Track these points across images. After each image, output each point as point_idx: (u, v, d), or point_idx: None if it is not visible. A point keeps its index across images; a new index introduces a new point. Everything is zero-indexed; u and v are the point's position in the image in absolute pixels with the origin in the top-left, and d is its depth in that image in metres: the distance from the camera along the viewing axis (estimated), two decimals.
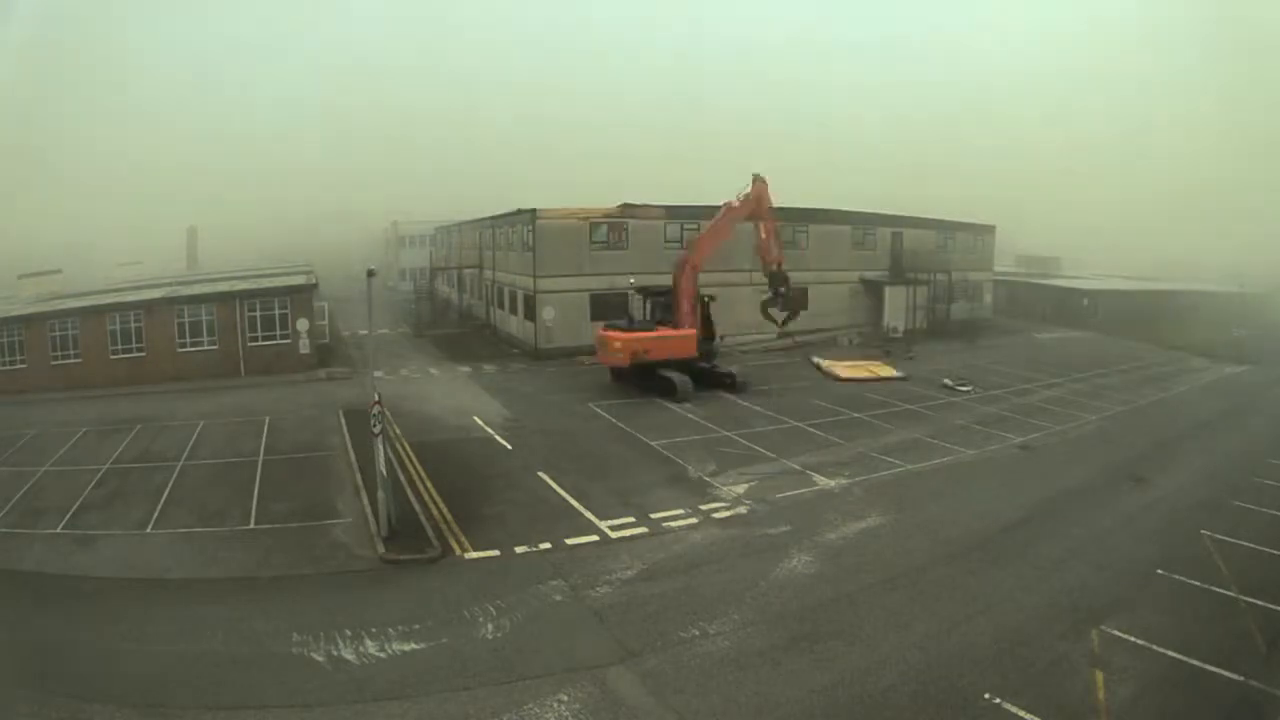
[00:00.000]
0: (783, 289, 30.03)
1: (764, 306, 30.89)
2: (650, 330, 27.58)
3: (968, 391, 28.33)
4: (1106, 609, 12.03)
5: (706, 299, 29.11)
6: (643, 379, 27.26)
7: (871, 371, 31.04)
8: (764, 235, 29.66)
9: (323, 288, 38.01)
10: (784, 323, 31.27)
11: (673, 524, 15.55)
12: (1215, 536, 14.73)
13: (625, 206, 36.48)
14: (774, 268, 29.88)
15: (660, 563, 13.75)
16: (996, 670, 10.31)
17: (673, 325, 27.89)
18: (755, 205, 29.21)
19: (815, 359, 33.53)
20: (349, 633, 11.19)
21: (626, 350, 26.68)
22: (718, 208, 38.23)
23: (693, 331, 27.82)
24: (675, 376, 26.48)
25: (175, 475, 18.41)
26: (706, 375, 28.03)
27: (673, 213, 37.26)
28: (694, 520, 15.76)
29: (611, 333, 27.59)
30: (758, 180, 29.19)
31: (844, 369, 31.29)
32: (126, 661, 10.51)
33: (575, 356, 33.92)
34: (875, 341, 39.93)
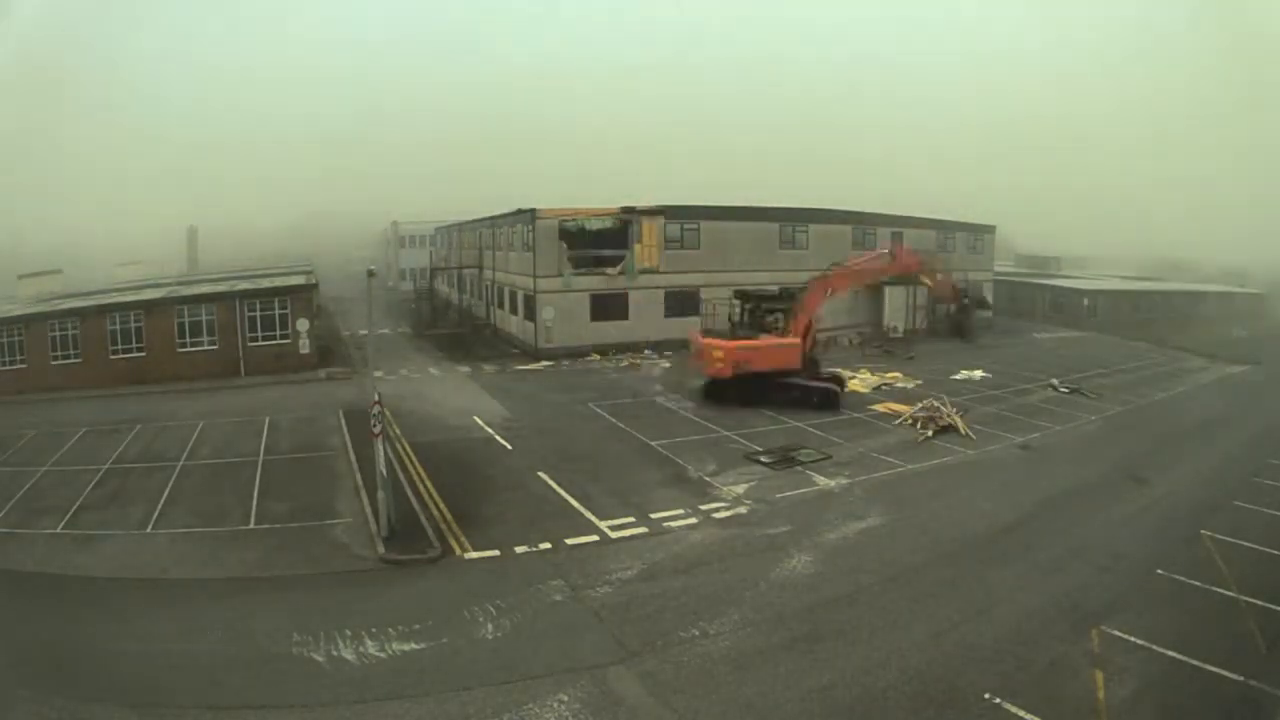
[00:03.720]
0: (962, 304, 36.84)
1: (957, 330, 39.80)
2: (753, 339, 25.72)
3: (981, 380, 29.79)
4: (1106, 609, 12.03)
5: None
6: (750, 391, 25.12)
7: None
8: (930, 285, 32.90)
9: (323, 288, 38.02)
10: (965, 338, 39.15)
11: (673, 524, 15.54)
12: (1215, 536, 14.65)
13: (626, 209, 36.52)
14: (953, 307, 37.02)
15: (660, 563, 13.74)
16: (996, 670, 10.31)
17: (779, 334, 26.02)
18: (902, 269, 31.14)
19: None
20: (349, 633, 11.18)
21: (729, 360, 24.59)
22: (718, 208, 38.53)
23: (798, 340, 25.68)
24: (830, 387, 25.64)
25: (175, 475, 18.40)
26: (800, 389, 25.63)
27: (672, 214, 37.29)
28: (694, 520, 15.75)
29: (713, 340, 25.66)
30: (898, 249, 32.84)
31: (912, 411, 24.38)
32: (126, 661, 10.50)
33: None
34: (875, 342, 39.93)
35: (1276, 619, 11.58)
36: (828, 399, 25.49)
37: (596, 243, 36.49)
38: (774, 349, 25.38)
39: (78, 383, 28.51)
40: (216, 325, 30.96)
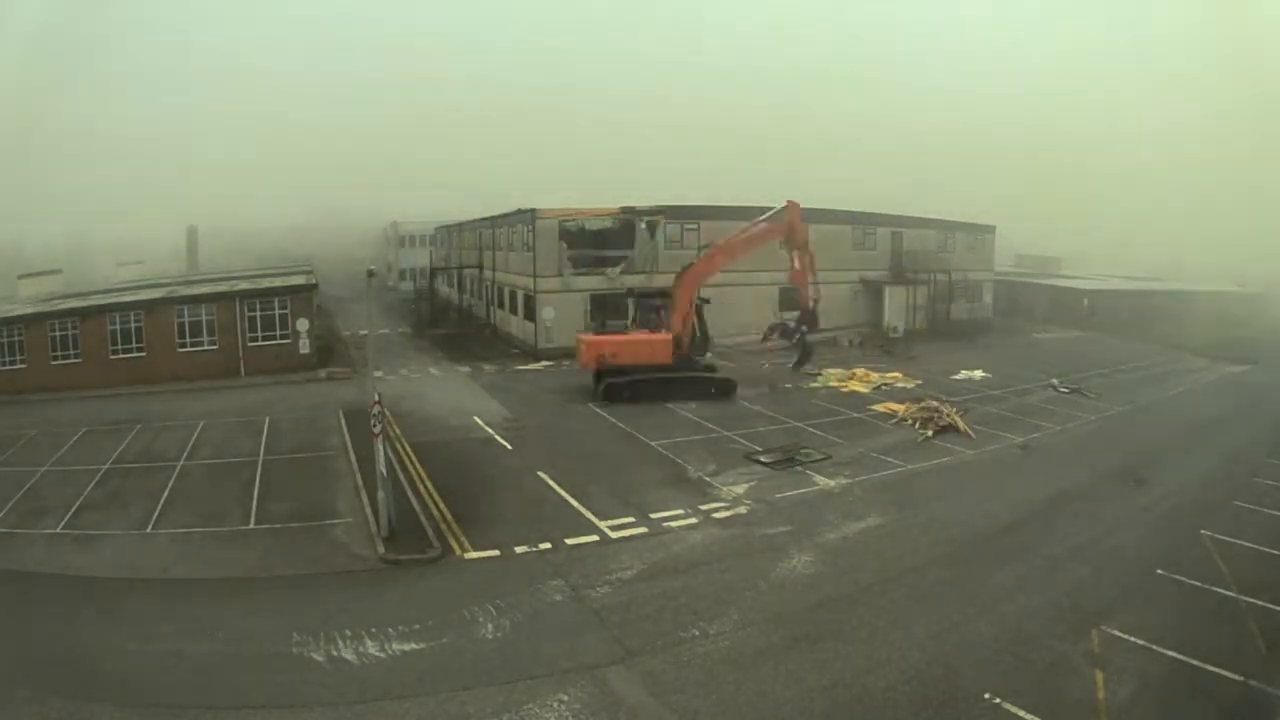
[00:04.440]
0: (803, 328, 28.72)
1: (768, 333, 30.57)
2: (622, 333, 27.37)
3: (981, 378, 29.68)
4: (1106, 609, 12.02)
5: (699, 302, 27.60)
6: (639, 388, 25.81)
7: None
8: (797, 266, 27.79)
9: (323, 288, 38.02)
10: (795, 365, 30.20)
11: (672, 524, 15.53)
12: (1215, 536, 14.71)
13: (626, 209, 36.52)
14: (810, 306, 28.07)
15: (660, 563, 13.74)
16: (996, 670, 10.31)
17: (655, 330, 26.92)
18: (787, 233, 27.47)
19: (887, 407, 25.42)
20: (349, 633, 11.18)
21: (591, 353, 26.14)
22: (718, 208, 38.49)
23: (668, 336, 26.33)
24: (729, 377, 26.47)
25: (175, 475, 18.40)
26: (697, 383, 26.52)
27: (672, 214, 37.27)
28: (694, 520, 15.75)
29: (583, 335, 27.87)
30: (790, 205, 27.57)
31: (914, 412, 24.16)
32: (126, 661, 10.50)
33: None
34: (875, 341, 39.94)
35: (1276, 619, 11.57)
36: (725, 388, 26.49)
37: (596, 243, 36.49)
38: (642, 344, 26.40)
39: (78, 383, 28.47)
40: (216, 325, 30.93)
